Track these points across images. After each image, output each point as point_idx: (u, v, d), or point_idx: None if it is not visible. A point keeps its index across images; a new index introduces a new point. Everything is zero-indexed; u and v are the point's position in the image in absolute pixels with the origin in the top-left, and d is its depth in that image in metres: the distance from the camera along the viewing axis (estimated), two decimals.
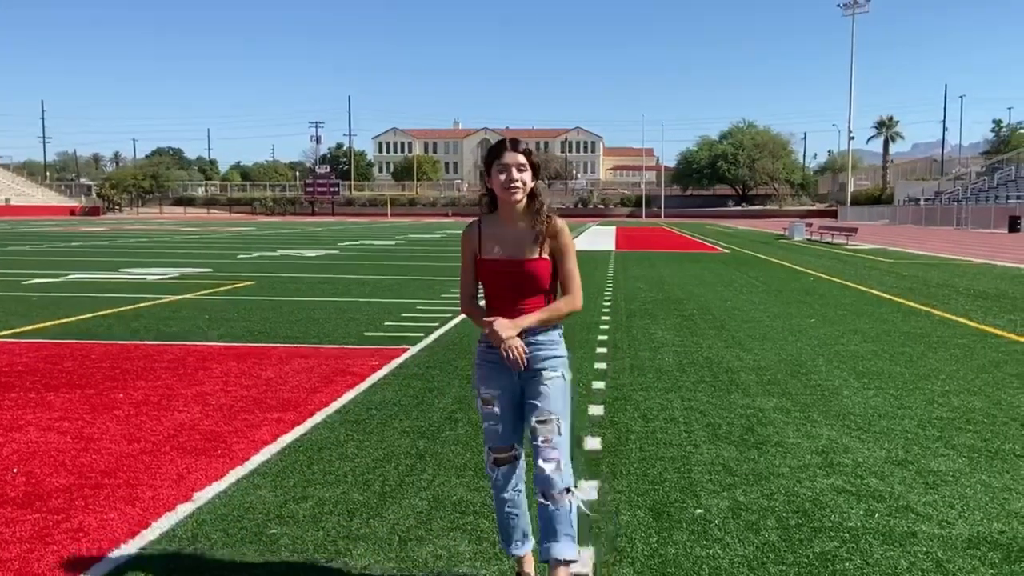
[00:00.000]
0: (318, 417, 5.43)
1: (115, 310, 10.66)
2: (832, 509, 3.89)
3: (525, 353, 2.87)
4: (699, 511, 3.85)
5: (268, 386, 6.31)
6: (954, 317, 10.55)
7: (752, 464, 4.54)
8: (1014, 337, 8.95)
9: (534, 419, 2.92)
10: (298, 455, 4.64)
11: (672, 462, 4.57)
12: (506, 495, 3.05)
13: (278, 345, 8.15)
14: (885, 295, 13.28)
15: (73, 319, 9.83)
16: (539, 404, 2.92)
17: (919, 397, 6.13)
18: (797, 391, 6.29)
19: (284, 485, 4.15)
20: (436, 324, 9.51)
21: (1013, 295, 13.31)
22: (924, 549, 3.45)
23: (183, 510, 3.80)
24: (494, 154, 2.89)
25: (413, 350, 7.88)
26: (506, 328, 2.84)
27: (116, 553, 3.35)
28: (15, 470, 4.34)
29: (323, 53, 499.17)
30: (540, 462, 2.87)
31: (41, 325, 9.37)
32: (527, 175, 2.87)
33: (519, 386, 2.99)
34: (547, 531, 2.90)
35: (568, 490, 2.90)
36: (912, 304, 12.00)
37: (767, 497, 4.03)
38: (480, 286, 3.05)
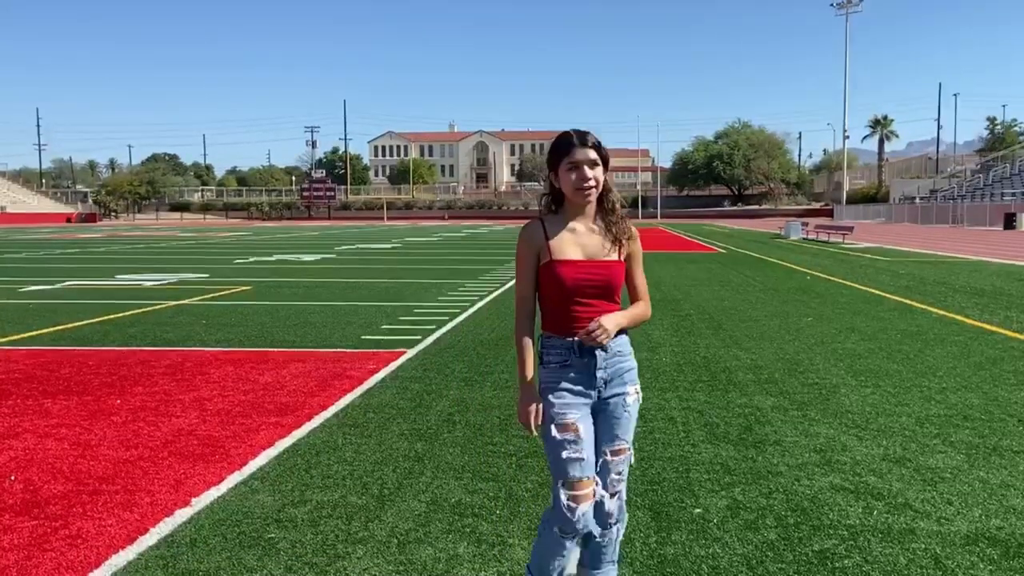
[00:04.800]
0: (316, 421, 5.43)
1: (112, 316, 10.64)
2: (831, 507, 3.89)
3: (604, 357, 2.67)
4: (698, 510, 3.85)
5: (266, 391, 6.31)
6: (951, 314, 10.57)
7: (750, 463, 4.54)
8: (1011, 334, 8.96)
9: (608, 449, 2.69)
10: (296, 459, 4.63)
11: (670, 462, 4.57)
12: (571, 541, 2.68)
13: (275, 350, 8.14)
14: (882, 293, 13.30)
15: (70, 326, 9.82)
16: (618, 433, 2.70)
17: (916, 394, 6.14)
18: (795, 390, 6.30)
19: (282, 489, 4.15)
20: (433, 327, 9.51)
21: (1010, 292, 13.34)
22: (923, 546, 3.46)
23: (181, 515, 3.79)
24: (562, 150, 2.61)
25: (411, 353, 7.88)
26: (610, 324, 2.58)
27: (114, 559, 3.34)
28: (12, 477, 4.33)
29: (318, 58, 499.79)
30: (606, 496, 2.69)
31: (38, 332, 9.35)
32: (599, 171, 2.62)
33: (595, 402, 2.71)
34: (593, 558, 2.79)
35: (620, 516, 2.78)
36: (909, 302, 12.02)
37: (766, 496, 4.03)
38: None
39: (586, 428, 2.65)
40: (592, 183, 2.61)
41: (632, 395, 2.73)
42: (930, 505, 3.91)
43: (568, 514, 2.61)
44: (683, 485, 4.20)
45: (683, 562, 3.32)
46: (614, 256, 2.67)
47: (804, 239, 34.73)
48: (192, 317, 10.61)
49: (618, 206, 2.72)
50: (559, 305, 2.67)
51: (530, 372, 2.68)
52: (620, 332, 2.69)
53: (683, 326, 9.66)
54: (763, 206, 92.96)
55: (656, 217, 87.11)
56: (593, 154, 2.60)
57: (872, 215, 69.47)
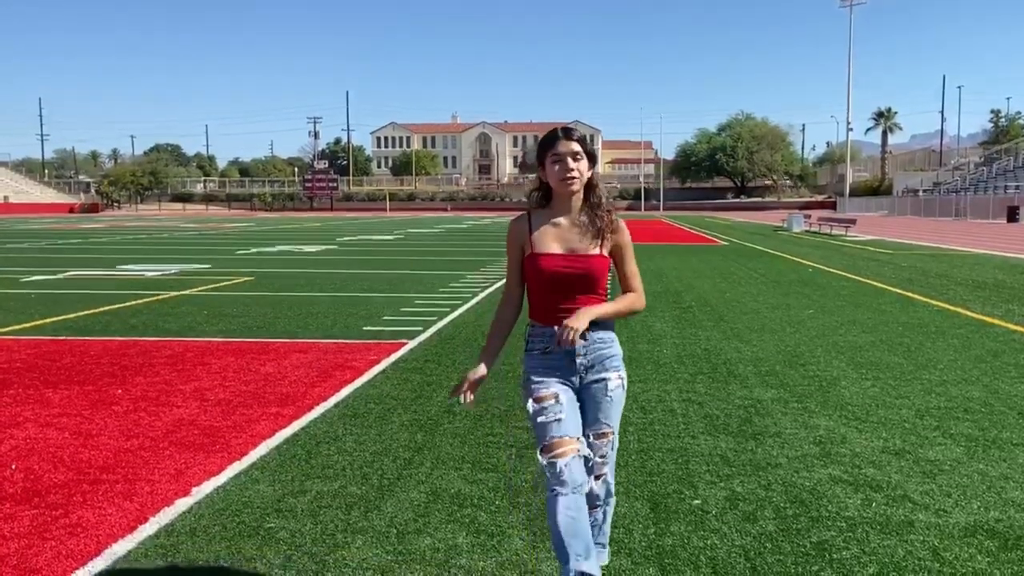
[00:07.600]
0: (316, 411, 5.44)
1: (114, 307, 10.66)
2: (829, 499, 3.89)
3: (583, 344, 2.74)
4: (697, 502, 3.86)
5: (266, 381, 6.32)
6: (952, 307, 10.55)
7: (750, 455, 4.55)
8: (1012, 327, 8.95)
9: (591, 432, 2.78)
10: (296, 449, 4.64)
11: (670, 453, 4.57)
12: (570, 495, 2.59)
13: (277, 340, 8.15)
14: (884, 285, 13.28)
15: (72, 316, 9.83)
16: (600, 417, 2.79)
17: (917, 387, 6.14)
18: (795, 382, 6.30)
19: (282, 479, 4.16)
20: (435, 318, 9.52)
21: (1011, 285, 13.32)
22: (921, 538, 3.46)
23: (181, 505, 3.81)
24: (547, 144, 2.72)
25: (412, 344, 7.89)
26: (582, 319, 2.63)
27: (114, 548, 3.36)
28: (13, 466, 4.35)
29: (321, 48, 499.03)
30: (591, 478, 2.78)
31: (40, 322, 9.36)
32: (583, 164, 2.71)
33: (578, 388, 2.80)
34: None
35: (607, 499, 2.86)
36: (911, 294, 12.01)
37: (764, 488, 4.04)
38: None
39: (567, 398, 2.73)
40: (575, 174, 2.70)
41: (615, 380, 2.80)
42: (929, 497, 3.92)
43: (552, 469, 2.62)
44: (682, 476, 4.20)
45: (681, 553, 3.33)
46: (595, 250, 2.74)
47: (807, 231, 34.68)
48: (194, 307, 10.62)
49: (604, 200, 2.79)
50: (541, 295, 2.79)
51: (487, 349, 2.94)
52: (602, 322, 2.76)
53: (684, 318, 9.66)
54: (766, 199, 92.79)
55: (659, 209, 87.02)
56: (576, 147, 2.70)
57: (875, 208, 69.34)
